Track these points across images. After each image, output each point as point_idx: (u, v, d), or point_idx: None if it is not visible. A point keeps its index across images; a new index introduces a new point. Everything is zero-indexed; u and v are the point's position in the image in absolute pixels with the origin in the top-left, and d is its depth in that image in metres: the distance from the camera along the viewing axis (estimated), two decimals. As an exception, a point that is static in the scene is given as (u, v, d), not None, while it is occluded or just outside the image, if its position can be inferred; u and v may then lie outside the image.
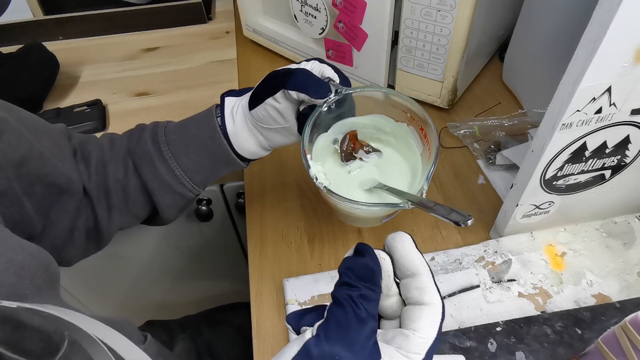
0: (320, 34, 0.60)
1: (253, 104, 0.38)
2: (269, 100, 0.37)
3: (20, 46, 0.69)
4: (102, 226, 0.43)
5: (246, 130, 0.40)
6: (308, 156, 0.37)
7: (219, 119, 0.40)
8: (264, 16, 0.71)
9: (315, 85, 0.36)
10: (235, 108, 0.40)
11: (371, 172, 0.42)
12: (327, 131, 0.42)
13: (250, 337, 0.42)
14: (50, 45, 0.71)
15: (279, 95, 0.37)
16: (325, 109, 0.38)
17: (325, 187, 0.36)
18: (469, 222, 0.28)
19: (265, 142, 0.41)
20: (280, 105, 0.37)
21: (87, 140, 0.44)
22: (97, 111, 0.65)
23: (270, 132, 0.40)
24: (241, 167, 0.43)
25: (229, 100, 0.41)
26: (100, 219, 0.42)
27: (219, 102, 0.42)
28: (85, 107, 0.65)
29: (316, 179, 0.36)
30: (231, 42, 0.79)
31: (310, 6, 0.58)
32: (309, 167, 0.36)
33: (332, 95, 0.37)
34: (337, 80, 0.39)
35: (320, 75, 0.38)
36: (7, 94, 0.63)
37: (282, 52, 0.72)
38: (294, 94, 0.36)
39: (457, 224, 0.28)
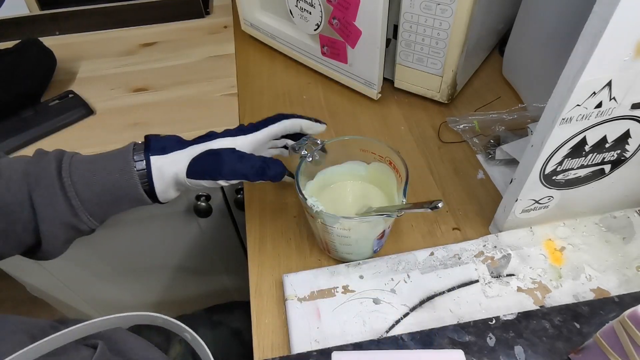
0: (315, 30, 0.60)
1: (192, 175, 0.40)
2: (208, 183, 0.41)
3: (17, 42, 0.68)
4: None
5: (173, 186, 0.42)
6: (303, 191, 0.41)
7: (136, 156, 0.40)
8: (261, 11, 0.70)
9: (250, 169, 0.40)
10: (165, 168, 0.40)
11: (357, 203, 0.47)
12: (312, 180, 0.47)
13: (247, 340, 0.42)
14: (47, 41, 0.70)
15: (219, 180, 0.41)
16: (310, 159, 0.44)
17: (321, 210, 0.39)
18: (439, 204, 0.34)
19: (184, 191, 0.44)
20: (223, 183, 0.41)
21: None
22: (74, 100, 0.65)
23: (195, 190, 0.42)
24: (148, 204, 0.42)
25: (155, 160, 0.40)
26: None
27: (138, 142, 0.41)
28: (57, 100, 0.65)
29: (313, 206, 0.39)
30: (229, 37, 0.78)
31: (305, 2, 0.58)
32: (305, 199, 0.40)
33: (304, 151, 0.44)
34: (312, 131, 0.45)
35: (300, 130, 0.45)
36: (3, 89, 0.63)
37: (280, 47, 0.72)
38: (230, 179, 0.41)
39: (433, 209, 0.34)
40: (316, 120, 0.45)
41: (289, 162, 0.45)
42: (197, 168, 0.40)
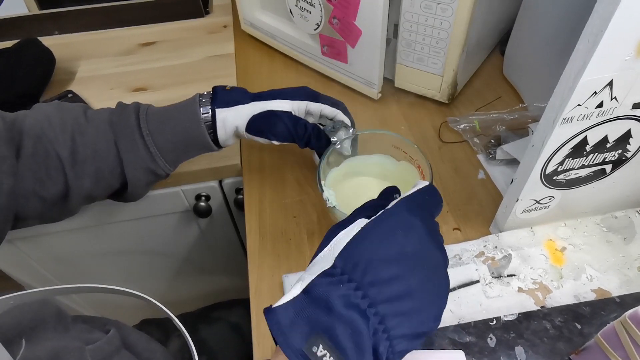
0: (315, 29, 0.60)
1: (251, 131, 0.45)
2: (263, 140, 0.45)
3: (16, 41, 0.68)
4: (71, 192, 0.43)
5: (232, 136, 0.46)
6: (322, 182, 0.42)
7: (202, 108, 0.44)
8: (261, 10, 0.70)
9: (301, 135, 0.44)
10: (229, 121, 0.45)
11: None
12: (338, 166, 0.47)
13: (246, 334, 0.42)
14: (46, 40, 0.70)
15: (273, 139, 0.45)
16: (338, 146, 0.45)
17: (334, 206, 0.40)
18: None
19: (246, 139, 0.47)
20: (275, 142, 0.46)
21: (55, 105, 0.45)
22: (74, 100, 0.65)
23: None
24: (214, 151, 0.47)
25: (219, 112, 0.44)
26: (71, 184, 0.42)
27: (203, 92, 0.46)
28: (57, 100, 0.65)
29: (328, 200, 0.40)
30: (229, 37, 0.78)
31: (305, 1, 0.58)
32: (322, 190, 0.41)
33: (335, 139, 0.45)
34: (349, 123, 0.47)
35: (333, 119, 0.47)
36: (2, 89, 0.62)
37: (280, 47, 0.72)
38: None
39: None
40: (353, 126, 0.49)
41: None
42: (256, 126, 0.44)
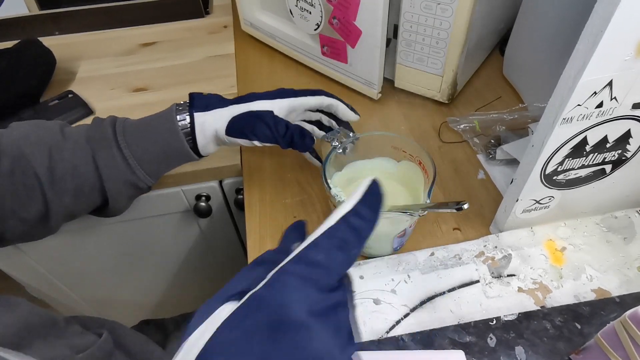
0: (315, 29, 0.60)
1: (231, 133, 0.43)
2: (244, 142, 0.44)
3: (16, 42, 0.68)
4: (51, 211, 0.42)
5: (213, 142, 0.45)
6: (329, 180, 0.42)
7: (179, 115, 0.43)
8: (261, 10, 0.70)
9: (283, 135, 0.42)
10: (208, 124, 0.44)
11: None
12: (340, 171, 0.47)
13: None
14: (46, 41, 0.70)
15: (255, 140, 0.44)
16: (340, 150, 0.45)
17: (344, 201, 0.39)
18: (465, 205, 0.33)
19: (226, 145, 0.46)
20: (257, 143, 0.44)
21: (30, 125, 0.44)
22: (74, 100, 0.65)
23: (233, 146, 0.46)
24: (195, 160, 0.46)
25: (198, 116, 0.43)
26: (51, 202, 0.42)
27: (180, 102, 0.45)
28: (57, 100, 0.65)
29: (337, 196, 0.40)
30: (229, 37, 0.78)
31: (306, 1, 0.58)
32: (329, 188, 0.41)
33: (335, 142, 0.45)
34: (346, 117, 0.46)
35: (335, 112, 0.46)
36: (3, 90, 0.62)
37: (280, 47, 0.72)
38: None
39: (458, 209, 0.34)
40: (352, 109, 0.47)
41: (318, 149, 0.47)
42: (236, 127, 0.43)
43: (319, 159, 0.48)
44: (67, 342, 0.37)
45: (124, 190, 0.44)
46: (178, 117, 0.43)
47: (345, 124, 0.49)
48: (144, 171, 0.44)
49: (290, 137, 0.43)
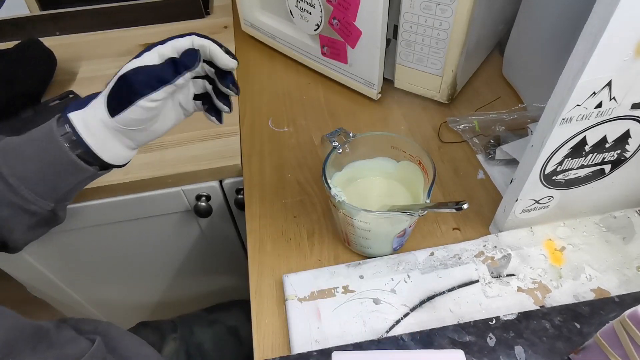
0: (315, 30, 0.60)
1: (114, 111, 0.37)
2: (137, 112, 0.37)
3: (17, 42, 0.68)
4: None
5: (110, 137, 0.39)
6: (329, 180, 0.42)
7: (57, 122, 0.38)
8: (261, 11, 0.70)
9: (160, 70, 0.37)
10: (89, 118, 0.38)
11: (381, 200, 0.47)
12: (340, 171, 0.47)
13: (243, 338, 0.42)
14: (47, 41, 0.70)
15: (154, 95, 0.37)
16: (339, 151, 0.44)
17: (343, 200, 0.40)
18: (465, 205, 0.34)
19: (131, 143, 0.40)
20: (157, 103, 0.37)
21: None
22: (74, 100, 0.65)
23: (136, 133, 0.39)
24: (92, 173, 0.40)
25: (74, 115, 0.38)
26: None
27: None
28: (58, 100, 0.65)
29: (336, 196, 0.40)
30: (229, 37, 0.78)
31: (306, 2, 0.58)
32: (329, 188, 0.41)
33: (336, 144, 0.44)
34: (222, 62, 0.38)
35: (209, 57, 0.38)
36: (4, 90, 0.63)
37: (280, 47, 0.72)
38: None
39: (458, 209, 0.34)
40: (228, 52, 0.39)
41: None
42: (114, 100, 0.37)
43: (218, 118, 0.42)
44: (58, 352, 0.35)
45: (11, 216, 0.38)
46: (58, 124, 0.38)
47: (228, 77, 0.41)
48: (33, 192, 0.38)
49: (171, 62, 0.37)
